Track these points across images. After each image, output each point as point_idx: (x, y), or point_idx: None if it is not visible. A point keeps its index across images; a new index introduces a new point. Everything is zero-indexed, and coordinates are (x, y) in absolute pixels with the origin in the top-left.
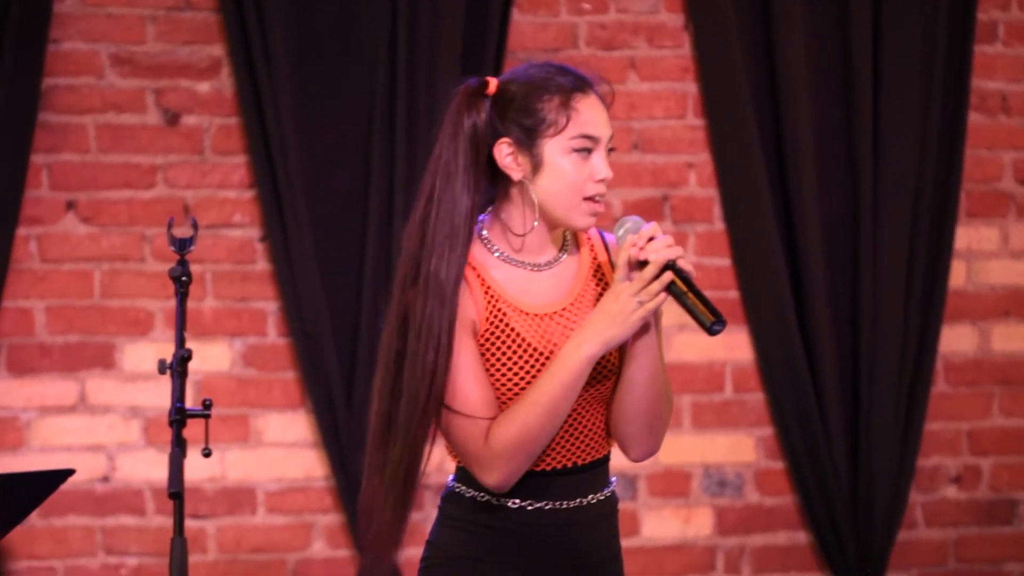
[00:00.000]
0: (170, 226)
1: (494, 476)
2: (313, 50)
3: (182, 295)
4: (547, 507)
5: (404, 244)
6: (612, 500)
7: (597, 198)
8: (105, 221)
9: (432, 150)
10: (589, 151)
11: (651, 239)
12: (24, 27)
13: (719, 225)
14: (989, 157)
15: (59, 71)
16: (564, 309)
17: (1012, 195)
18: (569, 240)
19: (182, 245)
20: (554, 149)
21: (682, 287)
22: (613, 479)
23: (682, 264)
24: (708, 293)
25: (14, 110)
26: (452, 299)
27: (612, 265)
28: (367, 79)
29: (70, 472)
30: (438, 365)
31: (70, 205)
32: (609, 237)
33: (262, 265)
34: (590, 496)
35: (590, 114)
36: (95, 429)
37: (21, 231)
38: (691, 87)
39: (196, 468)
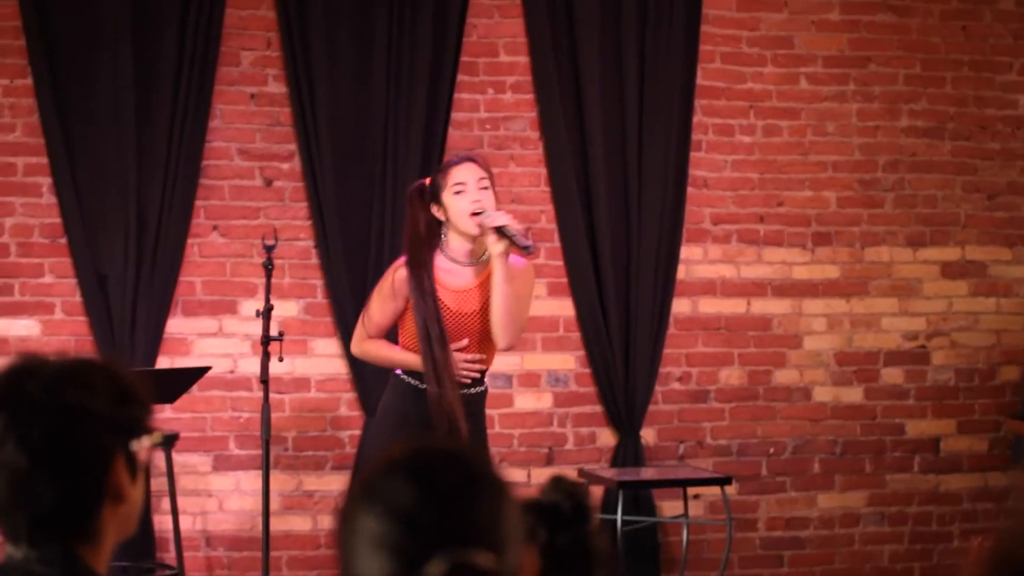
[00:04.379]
0: (263, 240)
1: (352, 354)
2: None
3: (268, 276)
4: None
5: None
6: (484, 393)
7: (477, 211)
8: (233, 236)
9: (406, 218)
10: (461, 192)
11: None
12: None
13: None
14: (698, 211)
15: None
16: (469, 290)
17: (709, 231)
18: (483, 258)
19: (269, 249)
20: (447, 197)
21: (508, 237)
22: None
23: (510, 227)
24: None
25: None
26: (430, 283)
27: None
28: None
29: (208, 368)
30: (429, 314)
31: (215, 228)
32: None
33: (314, 260)
34: (472, 388)
35: (460, 173)
36: (226, 346)
37: (190, 241)
38: (543, 171)
39: (280, 367)
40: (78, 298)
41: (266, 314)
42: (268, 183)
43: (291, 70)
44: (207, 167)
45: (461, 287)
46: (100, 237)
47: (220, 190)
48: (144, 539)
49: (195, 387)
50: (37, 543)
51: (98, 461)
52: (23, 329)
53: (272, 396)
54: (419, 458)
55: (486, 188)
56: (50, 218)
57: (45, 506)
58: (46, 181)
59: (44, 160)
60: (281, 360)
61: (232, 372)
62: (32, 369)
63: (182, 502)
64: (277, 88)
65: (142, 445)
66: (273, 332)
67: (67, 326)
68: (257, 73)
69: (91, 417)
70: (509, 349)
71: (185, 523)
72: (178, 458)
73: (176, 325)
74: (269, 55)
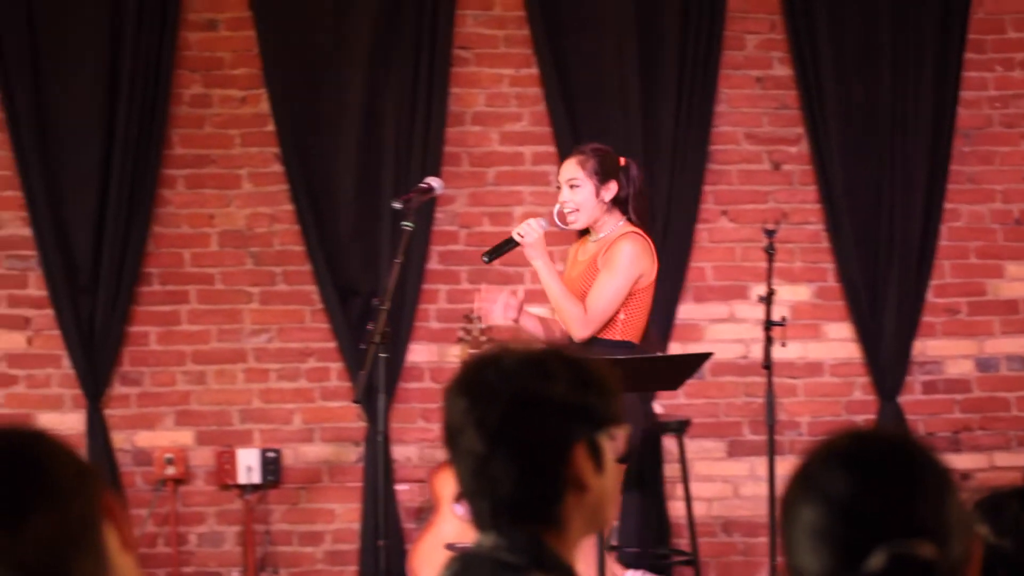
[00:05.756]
0: (764, 225)
1: None
2: None
3: (770, 260)
4: None
5: None
6: None
7: (565, 208)
8: (742, 221)
9: None
10: (559, 188)
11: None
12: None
13: None
14: None
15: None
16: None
17: None
18: (594, 238)
19: (770, 234)
20: None
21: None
22: None
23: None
24: None
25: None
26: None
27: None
28: None
29: (710, 354)
30: None
31: (724, 213)
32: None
33: (824, 244)
34: None
35: (560, 171)
36: (738, 331)
37: (699, 226)
38: None
39: (793, 352)
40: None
41: (768, 299)
42: (776, 167)
43: (796, 52)
44: (715, 152)
45: (582, 259)
46: None
47: (728, 175)
48: (659, 525)
49: (707, 373)
50: (503, 529)
51: (556, 449)
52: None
53: (785, 381)
54: (859, 447)
55: (575, 186)
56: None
57: (505, 492)
58: (554, 170)
59: (552, 149)
60: (784, 345)
61: (744, 358)
62: (495, 358)
63: (696, 488)
64: (783, 71)
65: (608, 436)
66: (776, 317)
67: None
68: (762, 56)
69: (548, 405)
70: (580, 338)
71: (699, 509)
72: (691, 444)
73: (688, 311)
74: (773, 38)
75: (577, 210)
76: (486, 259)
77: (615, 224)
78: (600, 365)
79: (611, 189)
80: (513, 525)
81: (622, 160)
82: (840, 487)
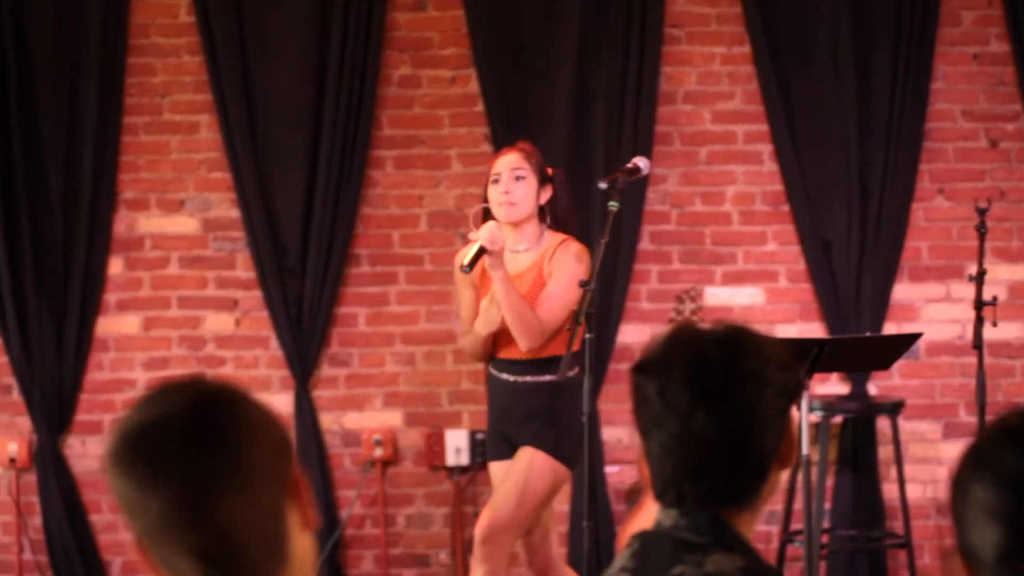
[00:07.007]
0: (976, 203)
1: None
2: None
3: (981, 239)
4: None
5: None
6: (537, 385)
7: (503, 201)
8: (959, 199)
9: None
10: (497, 181)
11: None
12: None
13: None
14: None
15: None
16: (515, 277)
17: None
18: (532, 245)
19: (982, 213)
20: (488, 186)
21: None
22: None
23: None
24: None
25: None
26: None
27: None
28: None
29: (919, 335)
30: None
31: (940, 191)
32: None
33: None
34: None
35: (498, 163)
36: (954, 311)
37: (914, 205)
38: None
39: (1011, 332)
40: (802, 265)
41: (979, 279)
42: (993, 144)
43: (1013, 28)
44: (931, 130)
45: (512, 273)
46: (822, 203)
47: (944, 153)
48: (873, 508)
49: (923, 353)
50: (685, 509)
51: (781, 426)
52: (747, 298)
53: (1003, 362)
54: None
55: (521, 178)
56: (772, 185)
57: (727, 474)
58: (767, 148)
59: (764, 128)
60: (995, 325)
61: (961, 338)
62: (714, 339)
63: (911, 470)
64: (1000, 47)
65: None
66: (989, 297)
67: (791, 294)
68: (979, 32)
69: (778, 383)
70: (530, 349)
71: (914, 492)
72: (906, 425)
73: (902, 291)
74: (991, 14)
75: (515, 204)
76: (466, 269)
77: (541, 232)
78: (786, 343)
79: (547, 192)
80: (708, 505)
81: (549, 169)
82: (1013, 464)
